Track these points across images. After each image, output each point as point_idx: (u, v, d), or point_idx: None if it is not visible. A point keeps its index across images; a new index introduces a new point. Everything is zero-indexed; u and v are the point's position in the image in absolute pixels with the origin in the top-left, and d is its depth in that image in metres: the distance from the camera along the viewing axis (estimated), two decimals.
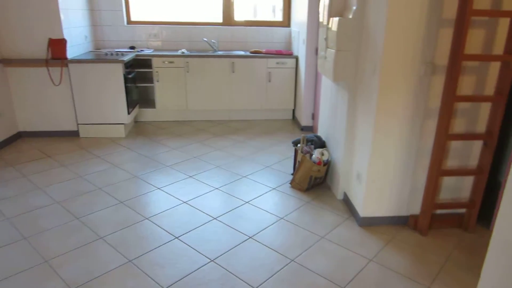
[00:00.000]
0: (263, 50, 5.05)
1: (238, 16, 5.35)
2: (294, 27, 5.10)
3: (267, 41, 5.34)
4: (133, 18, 5.23)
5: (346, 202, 2.91)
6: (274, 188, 3.18)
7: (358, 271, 2.16)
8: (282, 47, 5.36)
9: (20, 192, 3.06)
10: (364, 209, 2.59)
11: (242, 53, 5.02)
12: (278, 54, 4.94)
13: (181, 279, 2.08)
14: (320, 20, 3.18)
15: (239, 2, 5.31)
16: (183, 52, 4.90)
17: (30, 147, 4.04)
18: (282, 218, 2.72)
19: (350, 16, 2.74)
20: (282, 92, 5.03)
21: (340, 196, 3.00)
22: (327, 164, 3.11)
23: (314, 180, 3.10)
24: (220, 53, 4.98)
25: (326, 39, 2.99)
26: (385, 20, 2.21)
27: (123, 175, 3.39)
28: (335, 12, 2.96)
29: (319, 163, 3.04)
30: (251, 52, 5.04)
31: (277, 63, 4.91)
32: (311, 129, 4.71)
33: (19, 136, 4.31)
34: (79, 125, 4.33)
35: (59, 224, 2.60)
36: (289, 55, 4.93)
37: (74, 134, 4.37)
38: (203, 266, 2.19)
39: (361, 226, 2.62)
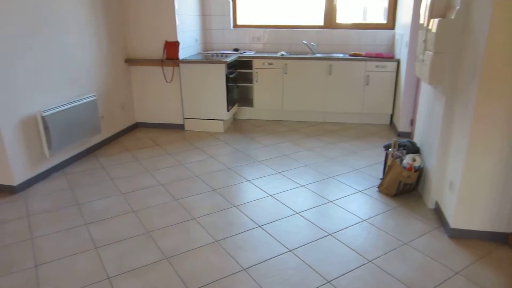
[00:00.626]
0: (363, 53, 4.98)
1: (340, 19, 5.35)
2: (398, 29, 4.93)
3: (369, 44, 5.25)
4: (239, 22, 5.60)
5: (437, 211, 2.76)
6: (360, 191, 3.16)
7: (440, 282, 2.06)
8: (384, 50, 5.22)
9: (133, 173, 3.54)
10: (455, 220, 2.44)
11: (341, 55, 5.02)
12: (378, 57, 4.82)
13: (259, 263, 2.22)
14: (421, 21, 3.06)
15: (343, 5, 5.31)
16: (282, 54, 5.09)
17: (144, 136, 4.61)
18: (364, 220, 2.70)
19: (452, 17, 2.61)
20: (380, 96, 4.90)
21: (431, 205, 2.86)
22: (419, 171, 2.98)
23: (404, 186, 3.00)
24: (318, 55, 5.05)
25: (425, 41, 2.88)
26: (490, 19, 2.07)
27: (218, 166, 3.69)
28: (436, 13, 2.83)
29: (409, 169, 2.93)
30: (350, 55, 5.02)
31: (377, 66, 4.80)
32: (408, 135, 4.51)
33: (136, 126, 4.95)
34: (185, 119, 4.80)
35: (161, 203, 2.96)
36: (390, 58, 4.78)
37: (180, 127, 4.86)
38: (281, 254, 2.31)
39: (450, 237, 2.47)
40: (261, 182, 3.34)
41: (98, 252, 2.35)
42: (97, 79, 4.11)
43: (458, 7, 2.56)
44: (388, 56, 4.81)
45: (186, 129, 4.84)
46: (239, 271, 2.16)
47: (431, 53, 2.68)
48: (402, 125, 4.51)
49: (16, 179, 3.14)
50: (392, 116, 5.03)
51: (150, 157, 3.92)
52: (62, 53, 3.57)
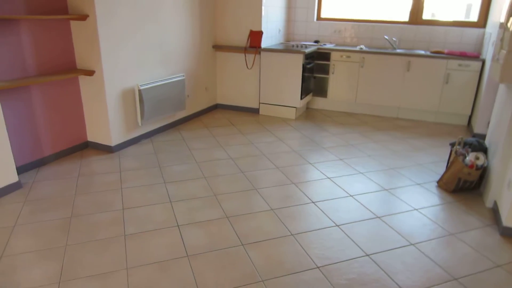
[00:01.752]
0: (445, 51, 4.84)
1: (427, 15, 5.24)
2: (489, 28, 4.70)
3: (454, 42, 5.07)
4: (322, 15, 5.76)
5: (494, 211, 2.73)
6: (418, 184, 3.21)
7: (479, 271, 2.12)
8: (471, 49, 5.00)
9: (208, 146, 3.97)
10: (509, 218, 2.42)
11: (422, 52, 4.94)
12: (462, 55, 4.66)
13: (307, 232, 2.46)
14: (501, 20, 2.99)
15: (431, 1, 5.19)
16: (361, 48, 5.16)
17: (222, 116, 5.05)
18: (416, 209, 2.78)
19: None
20: (459, 95, 4.74)
21: (489, 204, 2.82)
22: (482, 169, 2.94)
23: (464, 183, 2.99)
24: (399, 51, 5.02)
25: (502, 40, 2.82)
26: None
27: (284, 148, 3.96)
28: None
29: (471, 166, 2.91)
30: (432, 52, 4.91)
31: (459, 65, 4.65)
32: (483, 137, 4.33)
33: (216, 107, 5.42)
34: (260, 104, 5.14)
35: (229, 173, 3.33)
36: (475, 57, 4.59)
37: (255, 111, 5.22)
38: (328, 227, 2.52)
39: (502, 235, 2.46)
40: (322, 166, 3.54)
41: (172, 205, 2.78)
42: (187, 62, 4.61)
43: None
44: (472, 55, 4.63)
45: (260, 113, 5.18)
46: (288, 235, 2.42)
47: (505, 51, 2.64)
48: (479, 127, 4.34)
49: (114, 141, 3.75)
50: (470, 117, 4.84)
51: (225, 135, 4.33)
52: (161, 37, 4.10)
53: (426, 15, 5.21)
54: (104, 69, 3.47)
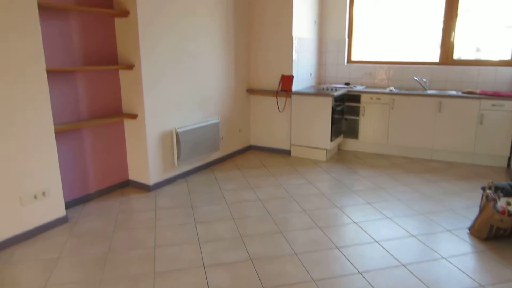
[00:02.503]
0: (477, 91, 4.80)
1: (458, 55, 5.25)
2: None
3: (487, 81, 5.03)
4: (353, 58, 5.92)
5: None
6: (449, 230, 3.15)
7: None
8: (505, 88, 4.93)
9: (239, 187, 4.12)
10: None
11: (453, 93, 4.92)
12: (495, 95, 4.60)
13: (329, 278, 2.50)
14: None
15: (462, 41, 5.22)
16: (391, 90, 5.22)
17: (254, 158, 5.22)
18: (444, 258, 2.73)
19: None
20: (495, 136, 4.64)
21: None
22: None
23: (496, 231, 2.91)
24: (429, 92, 5.04)
25: None
26: None
27: (313, 190, 4.03)
28: None
29: (502, 212, 2.84)
30: (464, 93, 4.88)
31: (493, 105, 4.58)
32: None
33: (249, 148, 5.61)
34: (292, 145, 5.27)
35: (256, 215, 3.44)
36: (509, 97, 4.52)
37: (287, 152, 5.35)
38: (350, 274, 2.54)
39: None
40: (350, 209, 3.57)
41: (200, 245, 2.92)
42: (222, 105, 4.88)
43: None
44: (507, 95, 4.55)
45: (292, 154, 5.30)
46: (309, 281, 2.46)
47: None
48: None
49: (152, 180, 3.99)
50: (510, 158, 4.69)
51: (256, 176, 4.47)
52: (198, 82, 4.40)
53: (459, 54, 5.23)
54: (146, 113, 3.78)
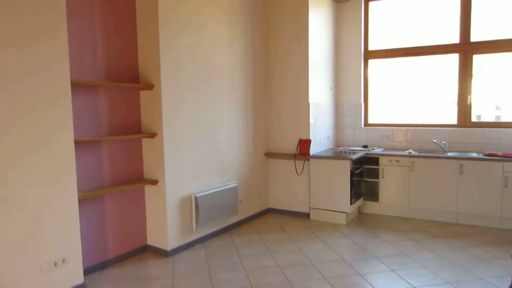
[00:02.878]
0: (499, 153, 4.75)
1: (477, 113, 5.28)
2: None
3: (509, 144, 4.97)
4: (370, 121, 6.02)
5: None
6: None
7: None
8: None
9: (258, 252, 4.06)
10: None
11: (474, 155, 4.88)
12: None
13: None
14: None
15: (480, 100, 5.27)
16: (409, 152, 5.22)
17: (273, 221, 5.17)
18: None
19: None
20: None
21: None
22: None
23: None
24: (449, 154, 5.01)
25: None
26: None
27: (334, 256, 3.92)
28: None
29: None
30: (485, 155, 4.83)
31: None
32: None
33: (268, 211, 5.59)
34: (311, 208, 5.23)
35: (274, 283, 3.34)
36: None
37: (306, 215, 5.29)
38: None
39: None
40: (372, 277, 3.43)
41: None
42: (241, 169, 4.96)
43: None
44: None
45: (311, 218, 5.24)
46: None
47: None
48: None
49: (170, 245, 3.99)
50: None
51: (275, 241, 4.40)
52: (217, 146, 4.54)
53: (479, 113, 5.25)
54: (166, 179, 3.88)
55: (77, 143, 3.28)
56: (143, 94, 3.93)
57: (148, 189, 4.03)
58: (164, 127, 3.83)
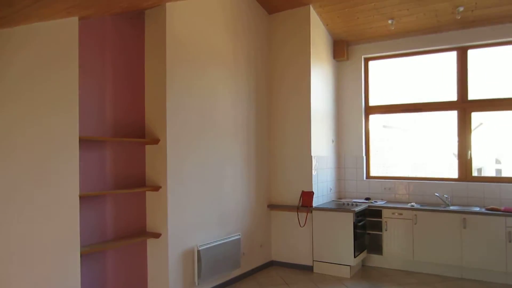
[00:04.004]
0: (502, 208, 4.75)
1: (478, 165, 5.34)
2: None
3: (510, 198, 4.99)
4: (372, 174, 6.10)
5: None
6: None
7: None
8: None
9: None
10: None
11: (477, 209, 4.89)
12: None
13: None
14: None
15: (478, 156, 5.36)
16: (412, 205, 5.24)
17: (276, 274, 5.12)
18: None
19: None
20: None
21: None
22: None
23: None
24: (452, 208, 5.03)
25: None
26: None
27: None
28: None
29: None
30: (487, 209, 4.83)
31: None
32: None
33: (271, 264, 5.54)
34: (314, 261, 5.18)
35: None
36: None
37: (309, 268, 5.23)
38: None
39: None
40: None
41: None
42: (244, 221, 5.01)
43: None
44: None
45: (314, 271, 5.18)
46: None
47: None
48: None
49: None
50: None
51: None
52: (220, 198, 4.62)
53: (479, 165, 5.31)
54: (169, 232, 3.93)
55: (82, 198, 3.37)
56: (148, 148, 4.09)
57: (151, 242, 4.07)
58: (169, 180, 3.95)
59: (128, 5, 3.48)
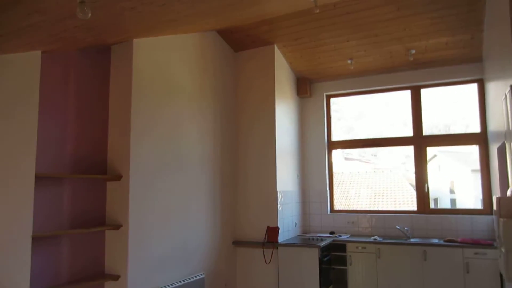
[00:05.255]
0: (458, 239, 4.94)
1: (433, 200, 5.56)
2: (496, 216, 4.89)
3: (466, 230, 5.20)
4: (335, 207, 6.18)
5: None
6: None
7: None
8: (484, 236, 5.08)
9: None
10: None
11: (436, 241, 5.04)
12: (475, 243, 4.72)
13: None
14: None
15: (434, 189, 5.59)
16: (375, 239, 5.33)
17: None
18: None
19: None
20: (484, 285, 4.58)
21: None
22: None
23: None
24: (412, 240, 5.16)
25: (499, 237, 2.99)
26: None
27: None
28: (504, 213, 3.01)
29: None
30: (445, 241, 5.00)
31: (476, 253, 4.66)
32: None
33: None
34: None
35: None
36: (489, 245, 4.63)
37: None
38: None
39: None
40: None
41: None
42: (207, 259, 4.86)
43: None
44: (486, 243, 4.67)
45: None
46: None
47: (503, 249, 2.78)
48: None
49: None
50: None
51: None
52: (183, 237, 4.47)
53: (436, 195, 5.53)
54: (129, 274, 3.71)
55: (35, 239, 3.16)
56: (110, 184, 3.94)
57: (109, 285, 3.83)
58: (130, 217, 3.80)
59: (94, 41, 3.46)
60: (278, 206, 5.33)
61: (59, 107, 3.53)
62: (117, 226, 3.78)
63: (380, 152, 6.20)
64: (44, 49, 3.02)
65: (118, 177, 3.85)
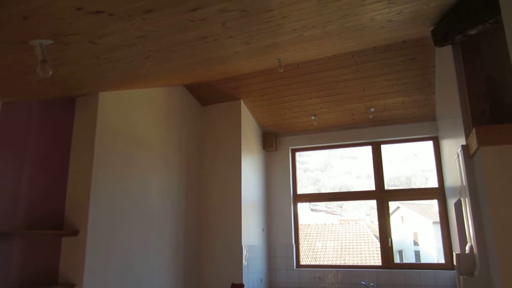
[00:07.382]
0: None
1: (398, 252, 5.60)
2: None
3: (430, 285, 5.23)
4: (301, 263, 6.09)
5: None
6: None
7: None
8: None
9: None
10: None
11: None
12: None
13: None
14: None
15: (398, 241, 5.64)
16: None
17: None
18: None
19: (476, 274, 2.84)
20: None
21: None
22: None
23: None
24: None
25: None
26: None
27: None
28: (464, 271, 3.07)
29: None
30: None
31: None
32: None
33: None
34: None
35: None
36: None
37: None
38: None
39: None
40: None
41: None
42: None
43: (479, 266, 2.82)
44: None
45: None
46: None
47: None
48: None
49: None
50: None
51: None
52: (145, 277, 4.24)
53: (401, 247, 5.57)
54: None
55: None
56: (65, 240, 3.74)
57: None
58: (85, 276, 3.57)
59: (58, 94, 3.44)
60: (244, 261, 5.19)
61: (16, 159, 3.40)
62: (69, 286, 3.54)
63: (346, 203, 6.29)
64: (4, 101, 2.96)
65: (75, 233, 3.66)
